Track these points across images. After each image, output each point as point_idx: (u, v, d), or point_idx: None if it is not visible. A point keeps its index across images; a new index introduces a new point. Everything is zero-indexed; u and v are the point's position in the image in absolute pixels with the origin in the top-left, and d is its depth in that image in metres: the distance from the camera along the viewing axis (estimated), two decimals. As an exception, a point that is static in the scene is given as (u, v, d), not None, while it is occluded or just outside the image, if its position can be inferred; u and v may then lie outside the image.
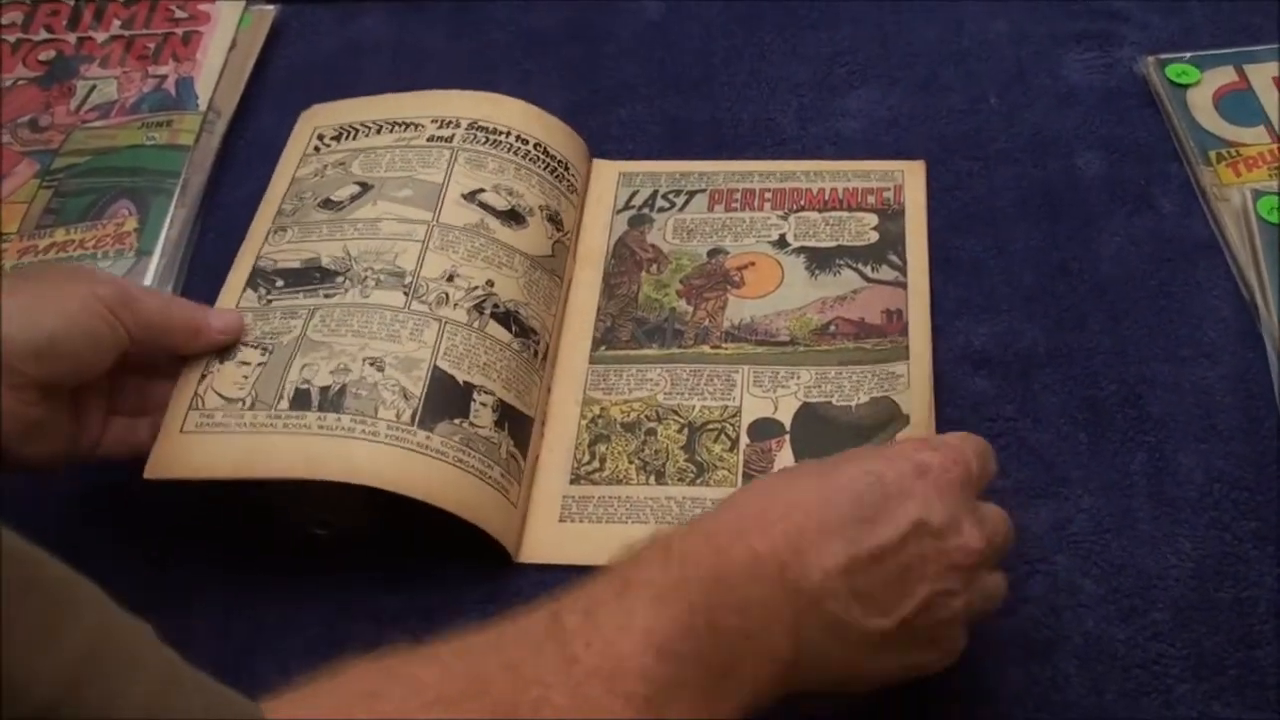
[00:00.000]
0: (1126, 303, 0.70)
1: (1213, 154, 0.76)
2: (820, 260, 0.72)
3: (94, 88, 0.86)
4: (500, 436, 0.63)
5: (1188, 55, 0.81)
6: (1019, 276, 0.72)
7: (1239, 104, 0.78)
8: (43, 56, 0.88)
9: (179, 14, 0.90)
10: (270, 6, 0.91)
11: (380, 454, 0.60)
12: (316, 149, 0.76)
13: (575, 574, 0.60)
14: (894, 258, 0.72)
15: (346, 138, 0.76)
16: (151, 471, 0.60)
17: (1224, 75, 0.80)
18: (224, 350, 0.64)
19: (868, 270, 0.71)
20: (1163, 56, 0.81)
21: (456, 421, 0.62)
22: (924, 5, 0.88)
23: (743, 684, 0.46)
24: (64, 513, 0.65)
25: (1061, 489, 0.63)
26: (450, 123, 0.75)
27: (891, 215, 0.74)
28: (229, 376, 0.63)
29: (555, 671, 0.43)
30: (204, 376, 0.63)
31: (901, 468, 0.50)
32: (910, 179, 0.76)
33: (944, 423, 0.65)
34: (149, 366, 0.63)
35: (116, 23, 0.90)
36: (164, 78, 0.86)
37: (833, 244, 0.73)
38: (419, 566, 0.62)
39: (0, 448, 0.55)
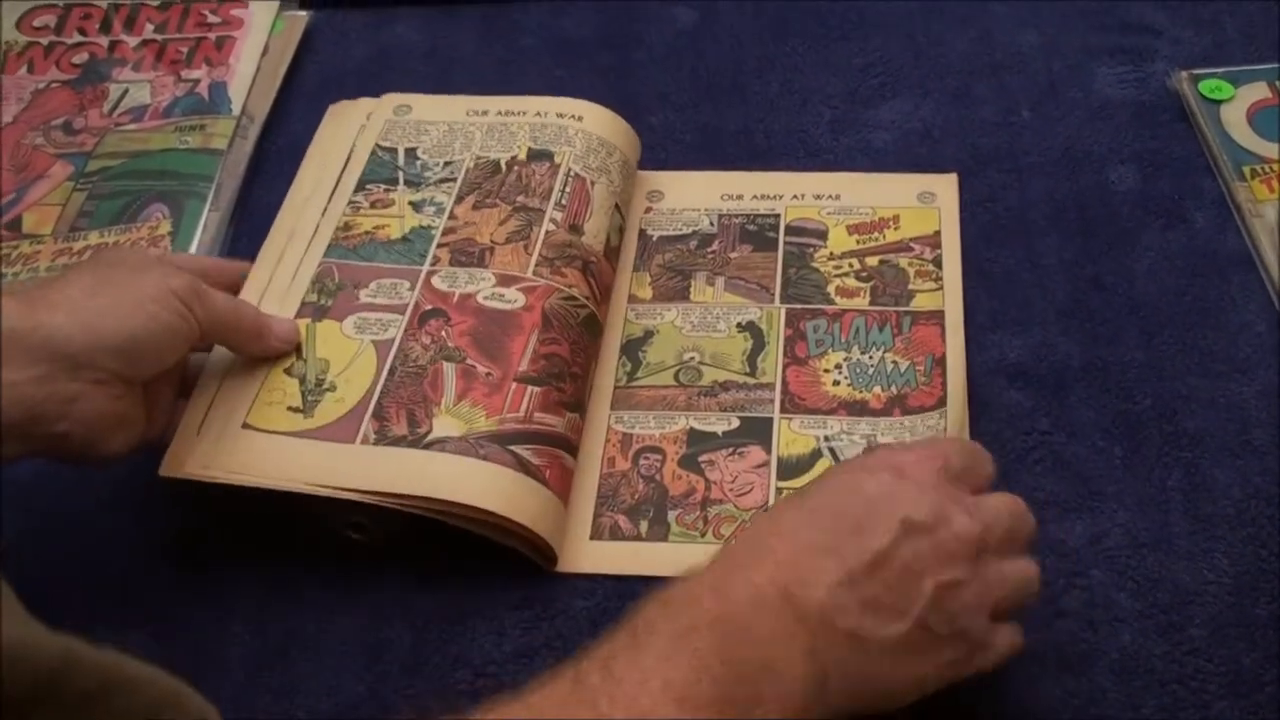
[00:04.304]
0: (1161, 317, 0.70)
1: (1246, 169, 0.76)
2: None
3: (126, 91, 0.86)
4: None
5: (1221, 70, 0.81)
6: (1052, 290, 0.72)
7: (1273, 120, 0.78)
8: (75, 60, 0.88)
9: (212, 19, 0.90)
10: (302, 12, 0.91)
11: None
12: None
13: (611, 582, 0.61)
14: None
15: None
16: (166, 469, 0.62)
17: (1257, 91, 0.80)
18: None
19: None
20: (1196, 72, 0.81)
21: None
22: (955, 17, 0.88)
23: (772, 712, 0.46)
24: (100, 515, 0.66)
25: (1097, 503, 0.63)
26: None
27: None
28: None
29: None
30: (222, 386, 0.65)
31: (878, 474, 0.51)
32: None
33: (979, 435, 0.65)
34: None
35: (149, 27, 0.90)
36: (197, 82, 0.86)
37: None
38: (455, 570, 0.62)
39: (90, 442, 0.57)
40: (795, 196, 0.77)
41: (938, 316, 0.70)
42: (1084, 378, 0.68)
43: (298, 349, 0.66)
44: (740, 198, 0.77)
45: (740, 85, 0.85)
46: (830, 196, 0.77)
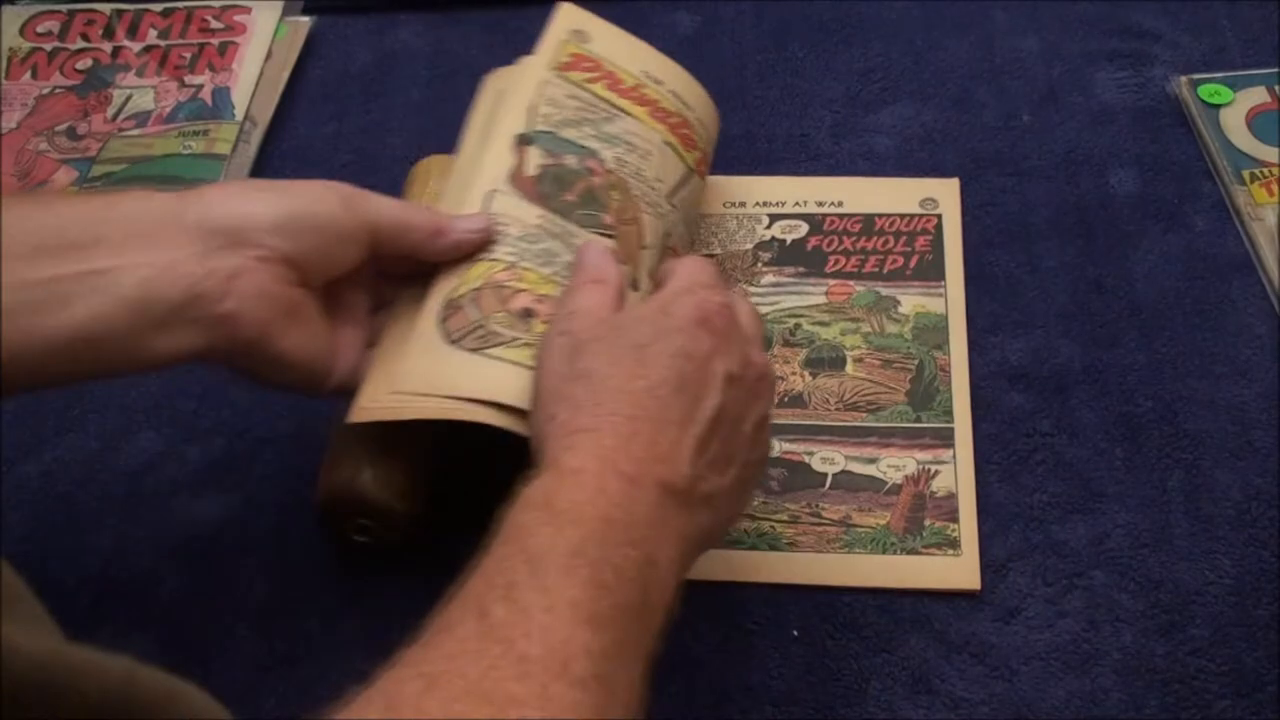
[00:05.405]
0: (1161, 320, 0.71)
1: (1246, 173, 0.76)
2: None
3: (130, 97, 0.86)
4: None
5: (1220, 75, 0.81)
6: (1053, 293, 0.72)
7: (1271, 124, 0.78)
8: (79, 65, 0.89)
9: (214, 24, 0.91)
10: (305, 18, 0.91)
11: None
12: None
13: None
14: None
15: None
16: (356, 416, 0.58)
17: (1256, 95, 0.80)
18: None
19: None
20: (1195, 76, 0.81)
21: None
22: (955, 22, 0.88)
23: (656, 602, 0.47)
24: (104, 518, 0.66)
25: (1098, 504, 0.64)
26: None
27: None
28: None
29: (517, 680, 0.42)
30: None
31: (692, 331, 0.52)
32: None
33: (981, 437, 0.66)
34: None
35: (153, 33, 0.90)
36: (200, 87, 0.87)
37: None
38: (459, 573, 0.62)
39: (262, 328, 0.55)
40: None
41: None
42: (1085, 380, 0.68)
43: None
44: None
45: (741, 90, 0.85)
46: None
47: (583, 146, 0.65)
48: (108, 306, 0.51)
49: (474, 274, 0.60)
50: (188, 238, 0.53)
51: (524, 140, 0.64)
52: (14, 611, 0.34)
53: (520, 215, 0.62)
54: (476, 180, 0.63)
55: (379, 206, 0.59)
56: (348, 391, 0.58)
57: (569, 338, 0.54)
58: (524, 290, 0.59)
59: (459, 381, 0.57)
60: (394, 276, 0.61)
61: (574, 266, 0.59)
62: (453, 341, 0.58)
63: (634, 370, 0.51)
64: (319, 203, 0.57)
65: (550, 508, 0.47)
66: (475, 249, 0.60)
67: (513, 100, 0.66)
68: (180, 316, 0.53)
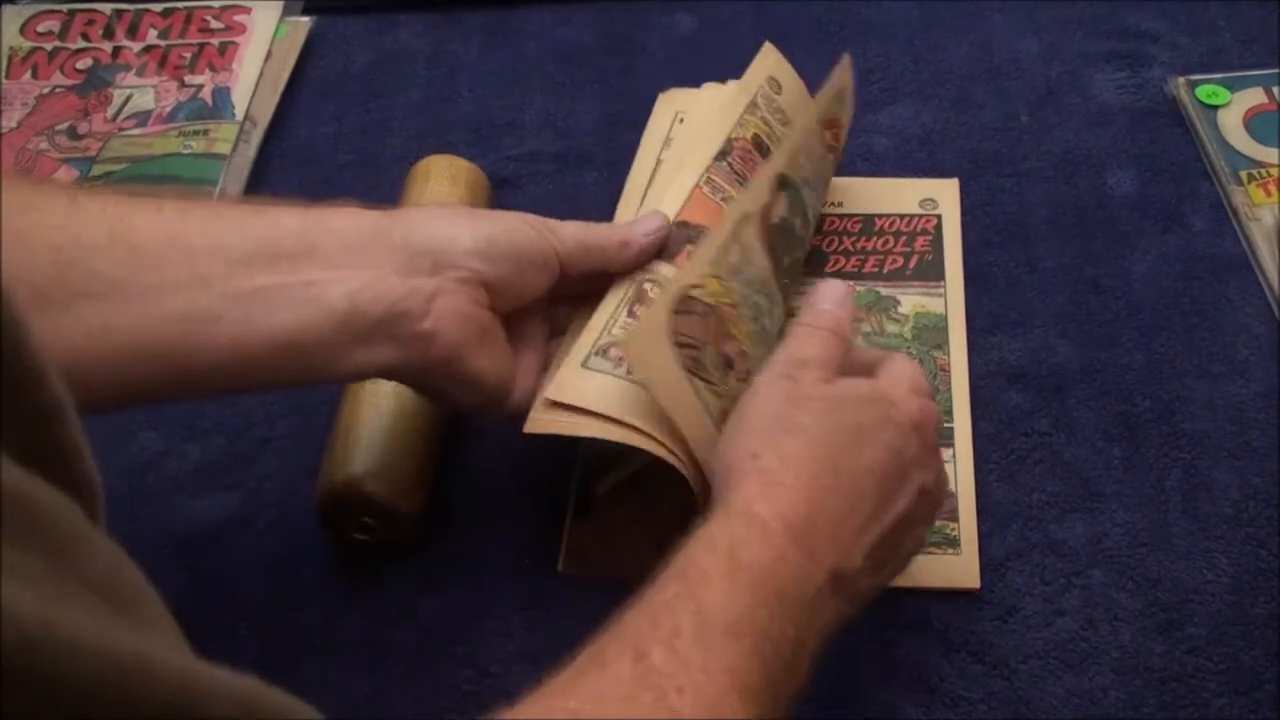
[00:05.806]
0: (1159, 320, 0.71)
1: (1243, 174, 0.76)
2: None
3: (130, 97, 0.87)
4: None
5: (1218, 76, 0.82)
6: (1052, 293, 0.73)
7: (1269, 125, 0.79)
8: (79, 65, 0.89)
9: (214, 25, 0.91)
10: (305, 18, 0.91)
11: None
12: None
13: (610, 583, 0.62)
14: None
15: None
16: (530, 427, 0.57)
17: (1254, 96, 0.80)
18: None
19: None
20: (1193, 77, 0.82)
21: None
22: (954, 24, 0.88)
23: (794, 686, 0.47)
24: (107, 519, 0.66)
25: (1096, 503, 0.64)
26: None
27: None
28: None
29: None
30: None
31: (907, 432, 0.52)
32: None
33: (980, 436, 0.66)
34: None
35: (153, 33, 0.91)
36: (200, 87, 0.87)
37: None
38: (460, 571, 0.63)
39: (457, 349, 0.55)
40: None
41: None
42: (1083, 379, 0.69)
43: None
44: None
45: (741, 91, 0.85)
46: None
47: (808, 215, 0.65)
48: (315, 317, 0.53)
49: (712, 288, 0.58)
50: (392, 256, 0.55)
51: (783, 183, 0.63)
52: (154, 626, 0.33)
53: (755, 258, 0.61)
54: (668, 196, 0.63)
55: (565, 233, 0.60)
56: (523, 416, 0.58)
57: (793, 384, 0.53)
58: (734, 338, 0.58)
59: (668, 389, 0.55)
60: (566, 298, 0.62)
61: (812, 301, 0.57)
62: (678, 344, 0.55)
63: (847, 449, 0.51)
64: (515, 231, 0.58)
65: (731, 559, 0.47)
66: (654, 251, 0.61)
67: (758, 136, 0.66)
68: (382, 332, 0.54)
